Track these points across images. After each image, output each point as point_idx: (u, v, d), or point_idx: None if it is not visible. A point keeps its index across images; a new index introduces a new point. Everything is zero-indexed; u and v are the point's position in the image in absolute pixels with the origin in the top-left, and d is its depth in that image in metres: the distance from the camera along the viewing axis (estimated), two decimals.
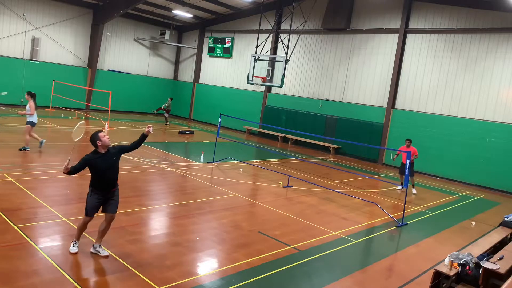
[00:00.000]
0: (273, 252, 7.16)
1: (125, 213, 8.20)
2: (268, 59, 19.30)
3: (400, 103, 19.51)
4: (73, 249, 6.13)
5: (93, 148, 6.18)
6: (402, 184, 14.19)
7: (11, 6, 22.43)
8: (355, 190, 13.17)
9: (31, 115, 12.79)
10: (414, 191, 13.79)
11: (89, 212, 6.10)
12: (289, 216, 9.43)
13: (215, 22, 27.88)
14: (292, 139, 22.90)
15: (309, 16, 21.41)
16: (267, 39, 20.58)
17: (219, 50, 27.68)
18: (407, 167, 10.21)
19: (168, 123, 24.31)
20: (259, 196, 11.29)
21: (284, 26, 22.90)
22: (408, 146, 13.65)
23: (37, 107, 13.41)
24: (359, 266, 7.38)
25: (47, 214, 7.57)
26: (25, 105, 13.77)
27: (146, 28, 28.41)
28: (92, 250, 6.23)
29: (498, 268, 6.10)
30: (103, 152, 6.12)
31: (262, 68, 19.07)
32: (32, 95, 13.20)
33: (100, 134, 6.09)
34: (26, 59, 23.24)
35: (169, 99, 25.08)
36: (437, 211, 11.94)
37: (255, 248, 7.27)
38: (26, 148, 12.68)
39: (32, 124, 12.80)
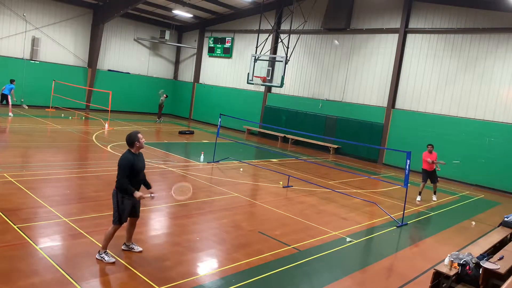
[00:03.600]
0: (273, 252, 7.16)
1: None
2: (268, 59, 19.30)
3: (400, 103, 19.51)
4: (111, 258, 5.97)
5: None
6: (419, 193, 13.47)
7: (11, 6, 22.42)
8: (355, 190, 13.16)
9: None
10: (434, 198, 13.35)
11: (124, 219, 6.04)
12: (289, 216, 9.43)
13: (215, 22, 27.88)
14: (292, 139, 22.89)
15: (309, 16, 21.41)
16: (267, 39, 20.58)
17: (219, 50, 27.68)
18: (407, 166, 10.15)
19: (160, 120, 24.71)
20: (259, 196, 11.29)
21: (284, 26, 22.90)
22: (431, 152, 13.05)
23: None
24: (359, 266, 7.38)
25: (47, 214, 7.57)
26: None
27: (146, 28, 28.41)
28: (124, 247, 6.39)
29: (498, 268, 6.09)
30: (137, 153, 6.14)
31: (262, 68, 19.07)
32: None
33: (139, 135, 6.06)
34: (26, 59, 23.24)
35: (164, 95, 25.45)
36: (437, 211, 11.94)
37: (255, 248, 7.27)
38: None
39: None
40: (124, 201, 5.98)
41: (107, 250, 6.04)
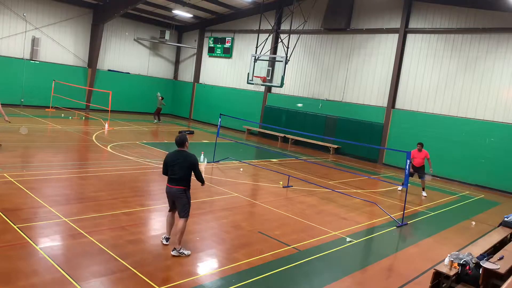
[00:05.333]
0: (273, 252, 7.16)
1: (125, 213, 8.21)
2: (268, 59, 19.30)
3: (400, 103, 19.51)
4: (188, 251, 6.67)
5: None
6: (403, 184, 14.06)
7: (11, 6, 22.42)
8: (355, 190, 13.17)
9: None
10: (424, 193, 13.70)
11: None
12: (289, 216, 9.43)
13: (215, 22, 27.88)
14: (292, 139, 22.89)
15: (309, 16, 21.40)
16: (267, 39, 20.57)
17: (219, 50, 27.68)
18: (407, 166, 10.19)
19: (160, 121, 24.61)
20: (259, 196, 11.29)
21: (284, 26, 22.90)
22: (420, 150, 13.54)
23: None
24: (359, 266, 7.38)
25: (47, 214, 7.57)
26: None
27: (146, 28, 28.41)
28: (166, 242, 6.87)
29: (498, 268, 6.09)
30: None
31: (262, 68, 19.05)
32: None
33: (188, 137, 6.94)
34: (26, 59, 23.24)
35: (160, 97, 25.34)
36: (437, 211, 11.94)
37: (255, 248, 7.27)
38: None
39: None
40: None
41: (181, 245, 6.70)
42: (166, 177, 6.87)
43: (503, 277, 6.06)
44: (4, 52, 22.49)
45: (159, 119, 25.20)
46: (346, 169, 16.81)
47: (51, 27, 24.03)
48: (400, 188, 14.17)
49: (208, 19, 28.11)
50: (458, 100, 17.77)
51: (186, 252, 6.61)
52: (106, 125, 19.64)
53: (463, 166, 17.21)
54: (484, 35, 17.14)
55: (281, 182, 12.71)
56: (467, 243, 8.87)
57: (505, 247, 7.35)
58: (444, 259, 6.53)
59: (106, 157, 13.41)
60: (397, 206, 11.69)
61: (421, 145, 13.75)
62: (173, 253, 6.53)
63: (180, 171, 6.58)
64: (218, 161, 14.77)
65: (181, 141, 6.73)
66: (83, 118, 22.49)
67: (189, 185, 6.75)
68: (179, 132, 21.21)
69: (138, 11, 26.37)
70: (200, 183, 7.04)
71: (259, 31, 20.09)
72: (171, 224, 6.95)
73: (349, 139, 19.20)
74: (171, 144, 17.73)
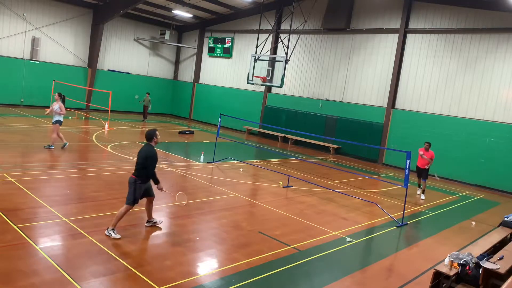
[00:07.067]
0: (273, 252, 7.16)
1: None
2: (268, 59, 19.29)
3: (400, 103, 19.51)
4: (117, 235, 6.83)
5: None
6: (421, 188, 13.62)
7: (11, 6, 22.42)
8: (355, 190, 13.16)
9: (60, 114, 13.38)
10: (422, 196, 13.35)
11: (137, 201, 7.13)
12: (289, 216, 9.43)
13: (215, 22, 27.88)
14: (292, 139, 22.90)
15: (309, 16, 21.41)
16: (267, 39, 20.57)
17: (219, 50, 27.68)
18: (407, 166, 10.16)
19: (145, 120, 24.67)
20: (259, 196, 11.29)
21: (284, 26, 22.90)
22: (427, 149, 13.35)
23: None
24: (359, 266, 7.38)
25: (47, 214, 7.57)
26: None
27: (146, 28, 28.41)
28: (148, 224, 7.58)
29: (498, 268, 6.10)
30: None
31: (262, 68, 19.04)
32: (62, 97, 13.91)
33: (157, 132, 7.20)
34: (26, 59, 23.24)
35: (146, 94, 25.35)
36: (437, 211, 11.94)
37: (255, 248, 7.27)
38: (51, 147, 13.24)
39: (60, 123, 13.43)
40: (141, 186, 7.01)
41: (115, 228, 6.89)
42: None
43: (503, 277, 6.07)
44: (4, 52, 22.49)
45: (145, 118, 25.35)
46: (346, 169, 16.81)
47: (51, 27, 24.03)
48: (418, 192, 13.81)
49: (208, 19, 28.11)
50: (458, 100, 17.77)
51: (114, 235, 6.79)
52: (106, 125, 19.64)
53: (463, 166, 17.21)
54: (484, 35, 17.14)
55: (281, 182, 12.71)
56: (467, 243, 8.87)
57: (505, 247, 7.35)
58: (444, 259, 6.54)
59: (106, 157, 13.42)
60: (397, 206, 11.69)
61: (428, 144, 13.48)
62: (106, 232, 6.87)
63: (137, 162, 7.01)
64: (218, 161, 14.77)
65: (148, 136, 7.13)
66: (83, 118, 22.49)
67: (142, 177, 6.98)
68: (179, 133, 21.25)
69: (138, 11, 26.37)
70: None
71: (259, 31, 20.09)
72: (147, 209, 7.57)
73: (349, 139, 19.20)
74: (171, 144, 17.77)
